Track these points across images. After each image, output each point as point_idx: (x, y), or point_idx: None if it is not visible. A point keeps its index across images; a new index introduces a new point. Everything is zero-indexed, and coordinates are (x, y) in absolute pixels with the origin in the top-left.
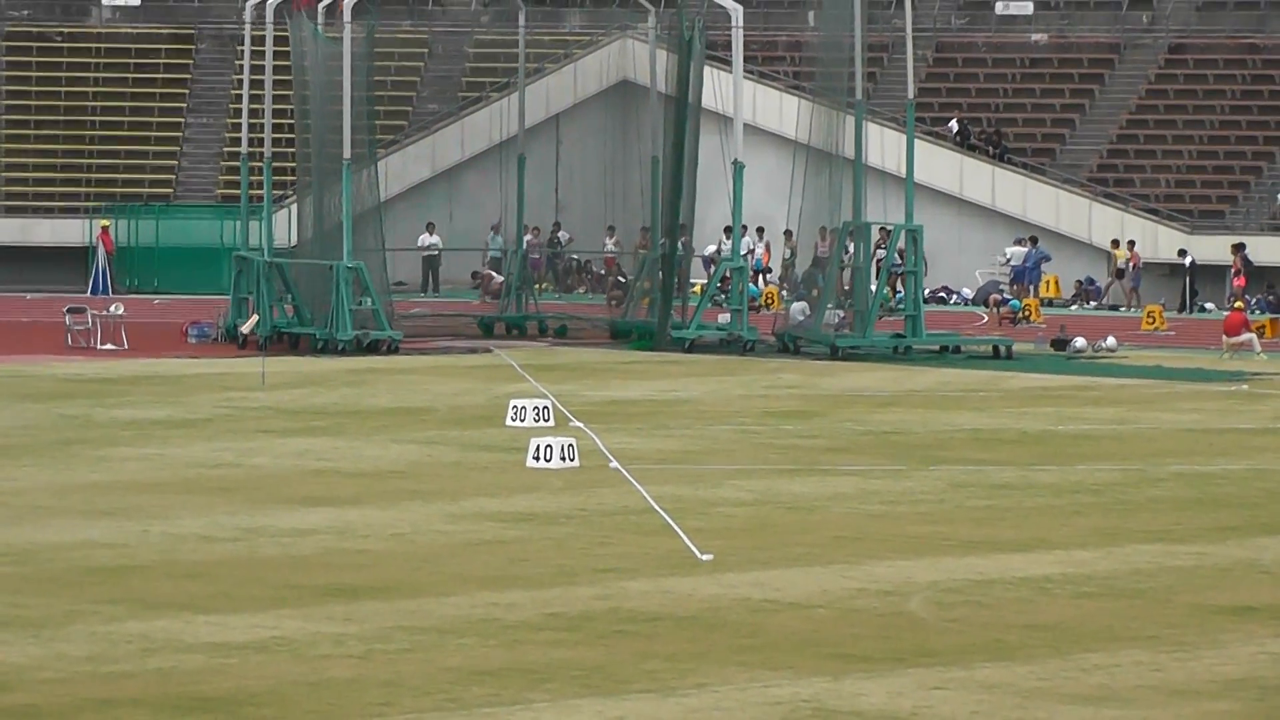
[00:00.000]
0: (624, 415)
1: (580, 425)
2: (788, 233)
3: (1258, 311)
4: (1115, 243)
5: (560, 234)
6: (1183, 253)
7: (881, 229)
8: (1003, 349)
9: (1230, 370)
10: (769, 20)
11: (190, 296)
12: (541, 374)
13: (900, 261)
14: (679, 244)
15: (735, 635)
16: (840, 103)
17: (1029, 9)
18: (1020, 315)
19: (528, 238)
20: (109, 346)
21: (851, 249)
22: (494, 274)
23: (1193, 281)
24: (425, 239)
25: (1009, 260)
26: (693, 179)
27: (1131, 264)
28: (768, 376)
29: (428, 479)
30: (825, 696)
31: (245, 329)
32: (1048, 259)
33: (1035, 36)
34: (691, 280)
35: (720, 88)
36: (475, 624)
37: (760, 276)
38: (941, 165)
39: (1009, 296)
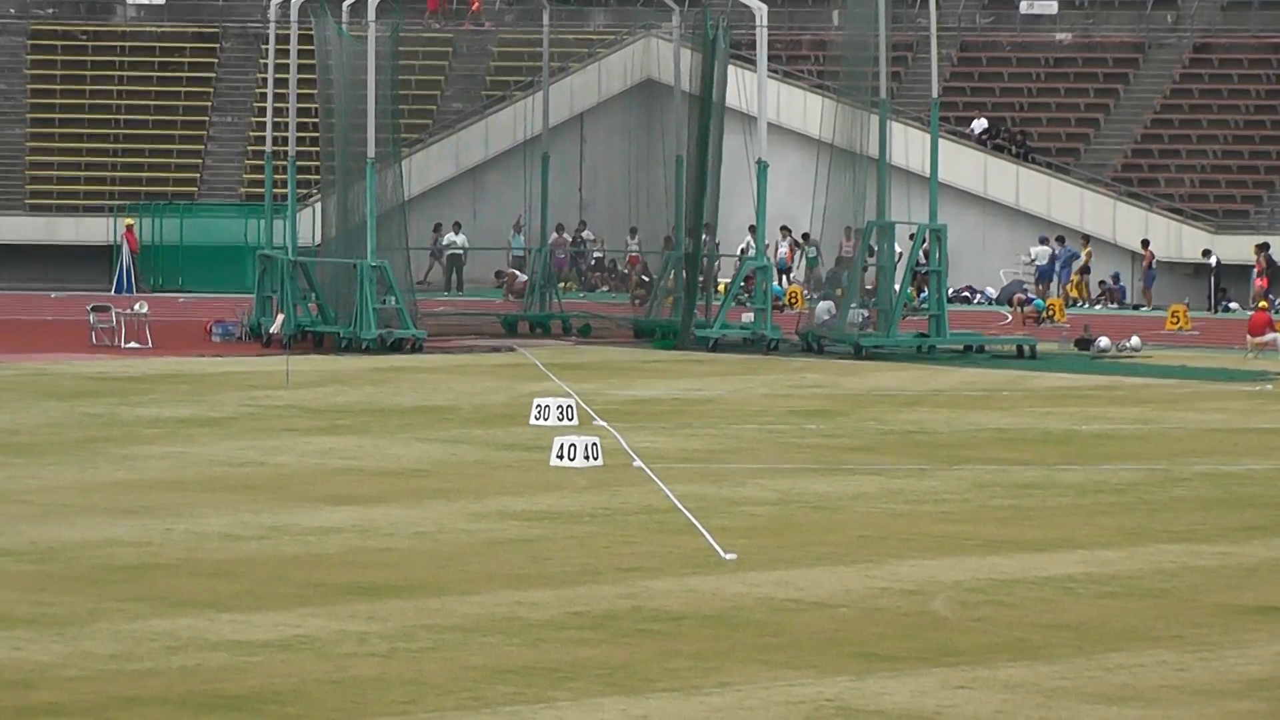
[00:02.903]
0: (647, 414)
1: (604, 424)
2: (784, 228)
3: None
4: (1086, 239)
5: (584, 233)
6: (1207, 253)
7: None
8: (1027, 349)
9: (1255, 370)
10: (793, 19)
11: (214, 295)
12: (565, 373)
13: (924, 261)
14: (703, 243)
15: (759, 634)
16: (864, 102)
17: (1053, 8)
18: (1044, 315)
19: (553, 236)
20: (133, 345)
21: (876, 248)
22: (517, 273)
23: (1218, 281)
24: (450, 238)
25: (1033, 260)
26: (716, 178)
27: (1145, 263)
28: (791, 376)
29: (451, 477)
30: (849, 696)
31: (275, 329)
32: (1076, 257)
33: (1060, 36)
34: (718, 279)
35: (744, 87)
36: (499, 622)
37: (784, 276)
38: (966, 165)
39: (1033, 296)
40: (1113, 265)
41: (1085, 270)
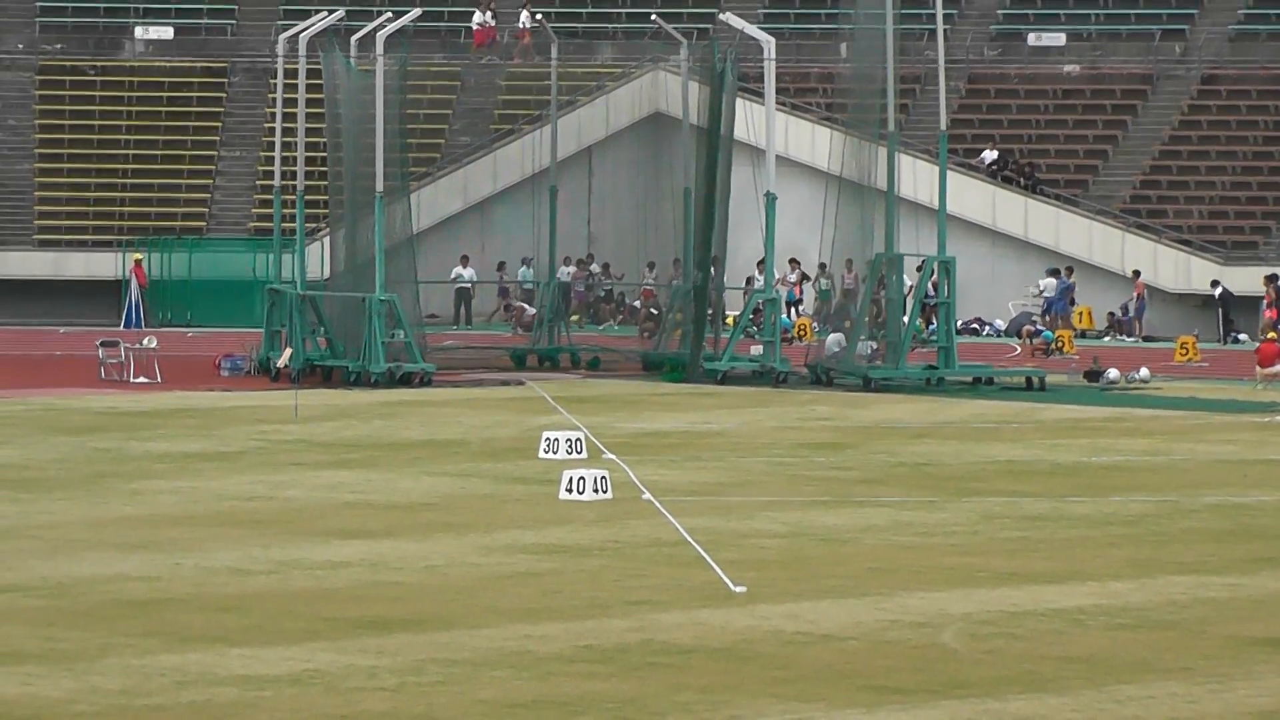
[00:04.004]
0: (657, 447)
1: (613, 457)
2: (793, 260)
3: None
4: (1070, 270)
5: (592, 266)
6: (1215, 283)
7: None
8: (1035, 380)
9: (1264, 401)
10: (801, 52)
11: (223, 329)
12: (574, 406)
13: (933, 293)
14: (711, 275)
15: (768, 667)
16: (872, 134)
17: (1061, 40)
18: (1053, 347)
19: (571, 269)
20: (142, 380)
21: (886, 280)
22: (525, 306)
23: (1226, 312)
24: (458, 271)
25: (1042, 292)
26: (725, 211)
27: (1136, 293)
28: (800, 408)
29: (460, 511)
30: None
31: (281, 363)
32: (1071, 288)
33: (1068, 67)
34: (726, 311)
35: (752, 119)
36: (508, 656)
37: (793, 308)
38: (974, 197)
39: (1042, 328)
40: (1120, 297)
41: (1071, 301)
